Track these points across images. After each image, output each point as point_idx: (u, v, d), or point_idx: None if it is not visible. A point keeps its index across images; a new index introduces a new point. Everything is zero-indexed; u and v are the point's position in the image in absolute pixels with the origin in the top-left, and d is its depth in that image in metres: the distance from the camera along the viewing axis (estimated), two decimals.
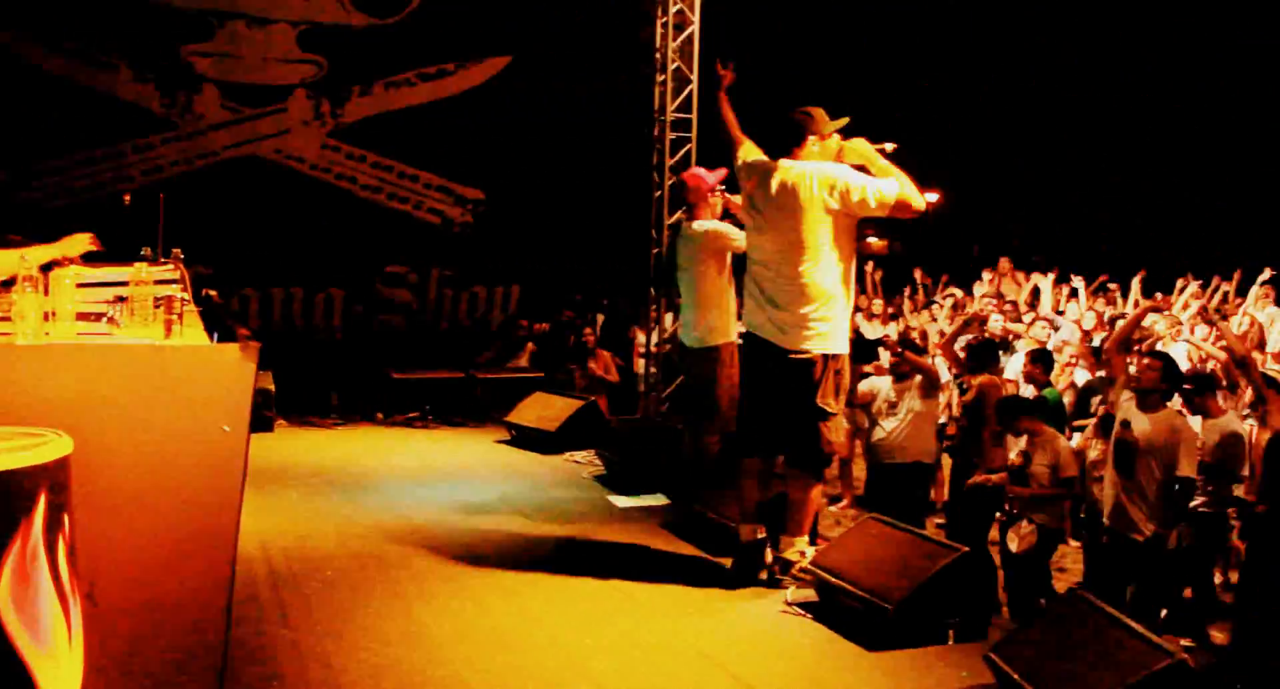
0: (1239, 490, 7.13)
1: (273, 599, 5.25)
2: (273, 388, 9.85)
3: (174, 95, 12.05)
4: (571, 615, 5.17)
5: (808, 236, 5.53)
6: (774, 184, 5.62)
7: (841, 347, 5.72)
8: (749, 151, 5.92)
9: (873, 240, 28.12)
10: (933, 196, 30.31)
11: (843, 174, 5.55)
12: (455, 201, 13.31)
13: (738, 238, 6.91)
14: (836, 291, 5.61)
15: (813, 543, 6.00)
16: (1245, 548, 6.80)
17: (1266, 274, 11.25)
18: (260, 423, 9.15)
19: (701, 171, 7.44)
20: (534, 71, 12.95)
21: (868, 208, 5.51)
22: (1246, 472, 7.11)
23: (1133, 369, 7.14)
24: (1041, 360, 8.25)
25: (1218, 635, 7.03)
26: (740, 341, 6.86)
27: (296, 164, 12.65)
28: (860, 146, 5.70)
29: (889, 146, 5.74)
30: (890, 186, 5.52)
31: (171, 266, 4.37)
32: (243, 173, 12.35)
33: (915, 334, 9.75)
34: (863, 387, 8.60)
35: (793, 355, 5.60)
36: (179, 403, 3.43)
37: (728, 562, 5.96)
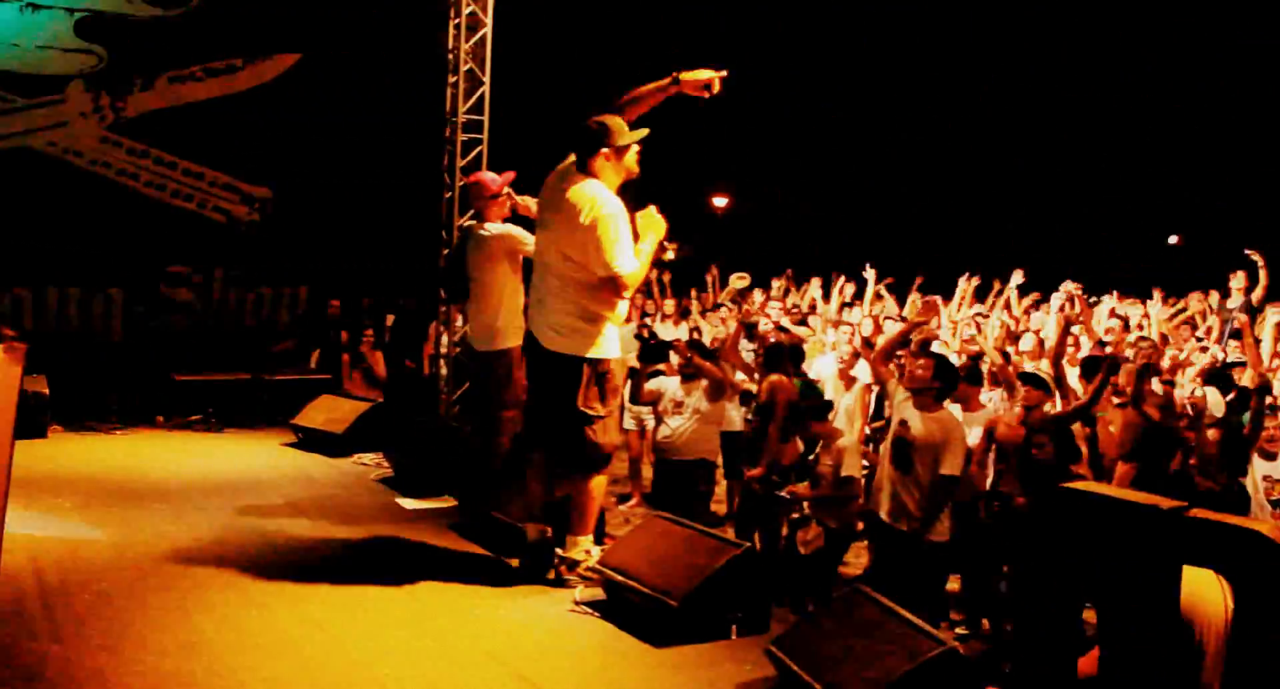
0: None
1: (42, 614, 5.04)
2: (46, 391, 9.43)
3: None
4: (358, 620, 5.13)
5: (578, 247, 5.58)
6: (562, 190, 5.67)
7: (607, 351, 5.75)
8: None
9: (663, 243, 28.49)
10: (722, 201, 31.05)
11: (616, 224, 5.54)
12: (242, 200, 12.95)
13: (529, 241, 6.93)
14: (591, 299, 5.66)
15: (600, 542, 6.09)
16: (1006, 539, 7.16)
17: (1018, 277, 12.00)
18: (30, 428, 8.74)
19: (489, 174, 7.44)
20: (325, 70, 12.72)
21: (593, 261, 5.52)
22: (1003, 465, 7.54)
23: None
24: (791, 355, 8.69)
25: (988, 623, 7.43)
26: None
27: (74, 158, 12.09)
28: (652, 222, 5.74)
29: (670, 254, 5.82)
30: (628, 263, 5.53)
31: None
32: (14, 166, 11.72)
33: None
34: (650, 385, 8.78)
35: (556, 357, 5.69)
36: None
37: (515, 562, 6.00)
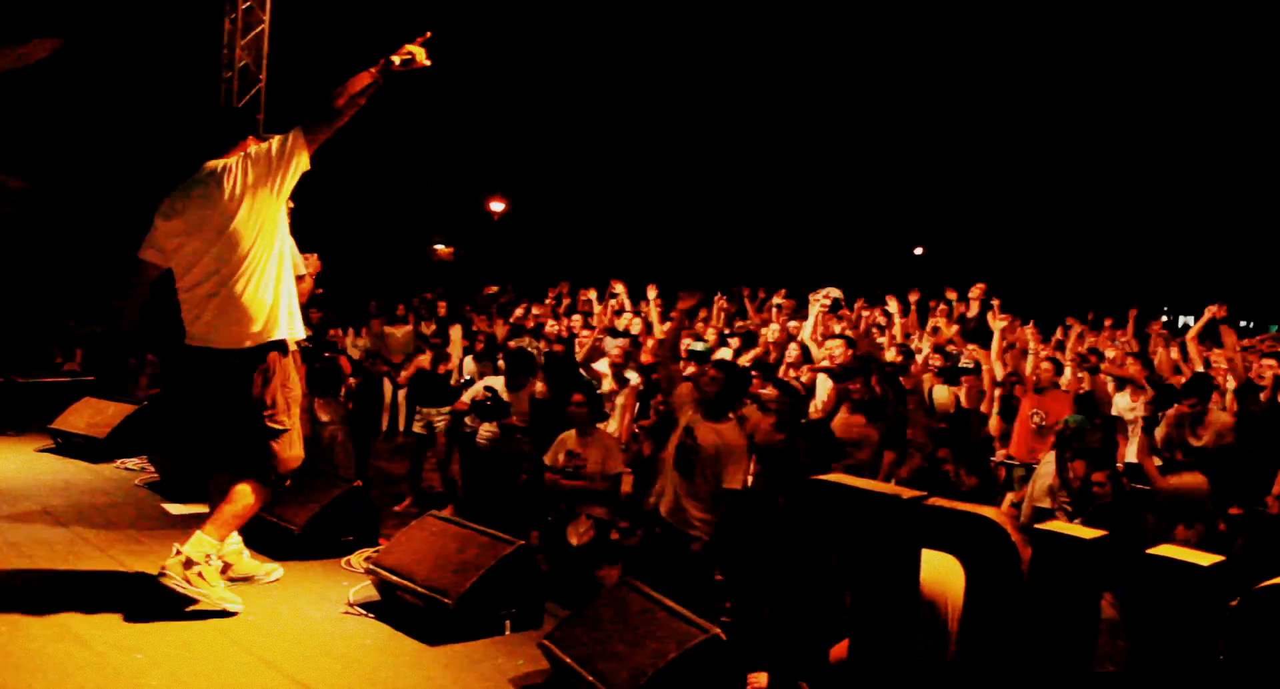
0: None
1: None
2: None
3: None
4: (121, 631, 4.98)
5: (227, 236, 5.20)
6: (199, 181, 5.32)
7: (284, 344, 5.39)
8: None
9: (439, 248, 28.46)
10: (498, 205, 31.08)
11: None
12: None
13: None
14: (267, 295, 5.32)
15: (374, 543, 6.14)
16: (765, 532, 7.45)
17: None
18: None
19: None
20: (91, 56, 12.20)
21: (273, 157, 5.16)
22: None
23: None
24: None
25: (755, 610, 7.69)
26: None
27: None
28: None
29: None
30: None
31: None
32: None
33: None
34: (465, 397, 8.94)
35: (226, 361, 5.31)
36: None
37: (286, 565, 5.97)
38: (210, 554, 5.26)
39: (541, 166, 28.31)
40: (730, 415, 6.99)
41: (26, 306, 12.62)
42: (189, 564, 5.18)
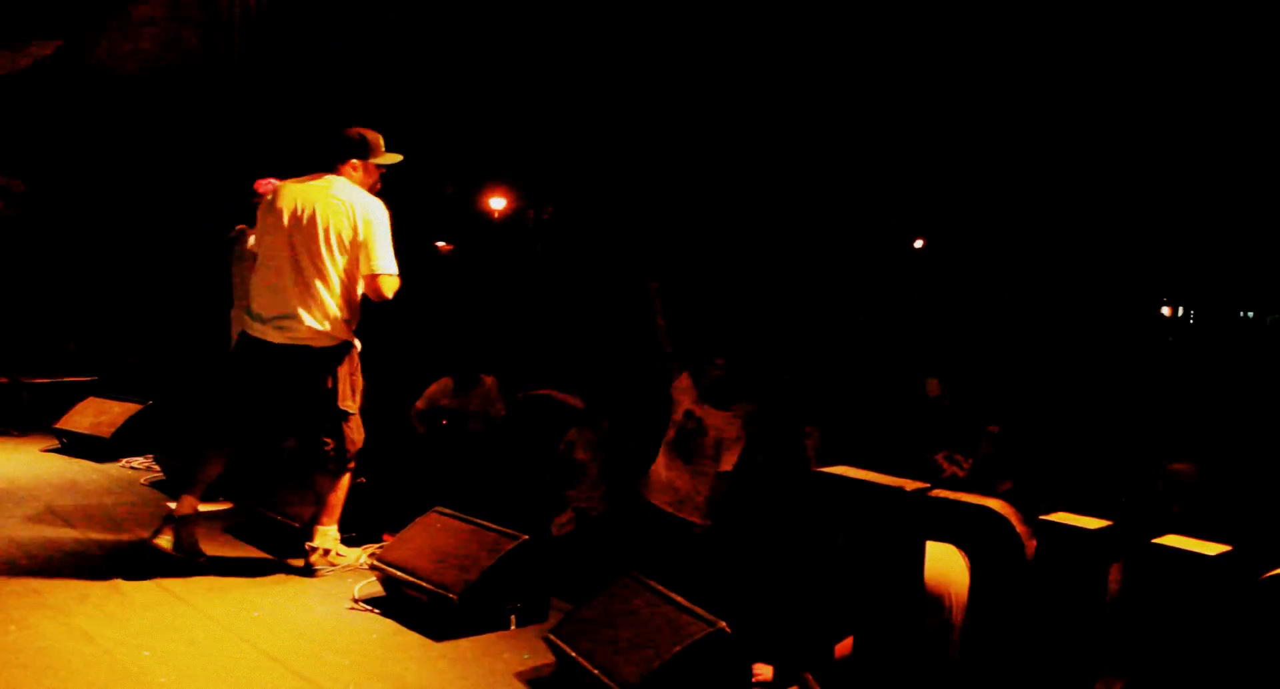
0: None
1: None
2: None
3: None
4: (129, 629, 4.97)
5: (339, 243, 5.63)
6: (314, 188, 5.72)
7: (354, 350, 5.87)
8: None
9: (440, 244, 28.39)
10: (499, 202, 30.99)
11: (378, 226, 5.67)
12: None
13: None
14: (347, 298, 5.74)
15: (379, 539, 6.22)
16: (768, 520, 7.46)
17: None
18: None
19: (275, 182, 7.30)
20: (91, 58, 12.20)
21: (361, 266, 5.68)
22: None
23: None
24: None
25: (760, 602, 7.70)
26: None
27: None
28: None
29: None
30: (391, 265, 5.68)
31: None
32: None
33: None
34: None
35: (308, 356, 5.72)
36: None
37: (296, 562, 5.98)
38: (335, 536, 5.98)
39: (540, 163, 28.28)
40: (732, 403, 7.03)
41: (29, 307, 12.64)
42: (325, 553, 5.89)
